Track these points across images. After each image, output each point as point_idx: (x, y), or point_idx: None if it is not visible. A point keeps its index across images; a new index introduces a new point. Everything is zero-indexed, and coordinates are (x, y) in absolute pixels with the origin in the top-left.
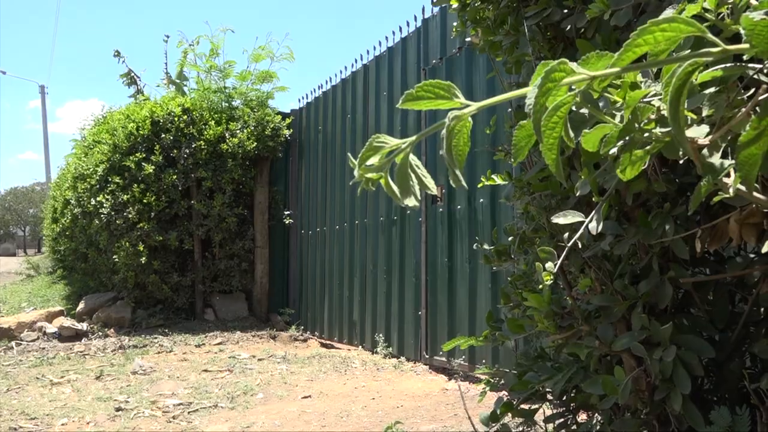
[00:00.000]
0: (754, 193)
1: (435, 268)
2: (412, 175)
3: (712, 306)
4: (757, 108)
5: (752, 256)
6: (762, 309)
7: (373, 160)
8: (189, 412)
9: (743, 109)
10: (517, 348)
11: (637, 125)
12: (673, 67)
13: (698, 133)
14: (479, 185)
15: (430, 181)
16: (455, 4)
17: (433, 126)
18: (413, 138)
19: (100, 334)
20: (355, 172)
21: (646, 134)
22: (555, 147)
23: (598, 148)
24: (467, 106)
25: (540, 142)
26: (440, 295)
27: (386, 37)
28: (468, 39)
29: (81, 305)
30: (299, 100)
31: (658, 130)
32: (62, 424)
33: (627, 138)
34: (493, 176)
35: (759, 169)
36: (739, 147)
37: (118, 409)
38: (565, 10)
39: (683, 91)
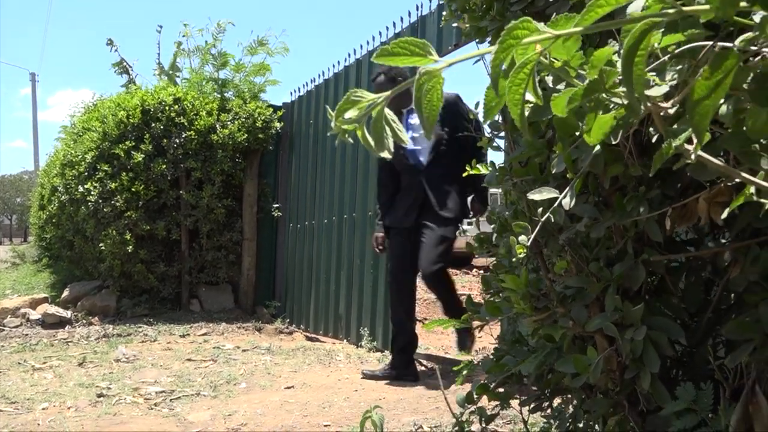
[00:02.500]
0: (710, 158)
1: None
2: (387, 129)
3: (685, 291)
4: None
5: (724, 241)
6: (732, 294)
7: (351, 113)
8: (171, 400)
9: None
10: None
11: (602, 86)
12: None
13: (657, 92)
14: (464, 174)
15: (404, 135)
16: None
17: (406, 82)
18: (388, 92)
19: (84, 322)
20: (332, 124)
21: (616, 99)
22: (520, 103)
23: (566, 111)
24: (439, 62)
25: (497, 95)
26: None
27: (380, 32)
28: (455, 24)
29: (66, 293)
30: (291, 94)
31: (620, 90)
32: (43, 409)
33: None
34: (477, 166)
35: (710, 121)
36: (691, 97)
37: (99, 395)
38: None
39: (637, 50)
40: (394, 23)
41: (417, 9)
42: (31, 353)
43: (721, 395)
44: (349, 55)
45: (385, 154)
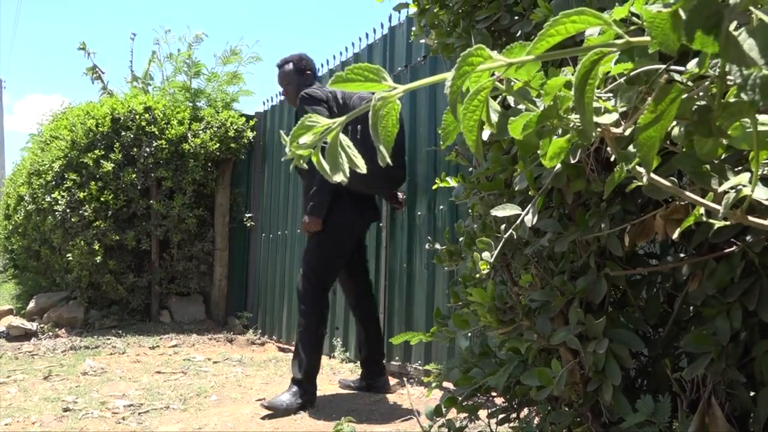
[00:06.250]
0: (659, 178)
1: (393, 274)
2: (342, 154)
3: (646, 304)
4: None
5: (682, 255)
6: (691, 307)
7: (306, 139)
8: (139, 413)
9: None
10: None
11: (556, 112)
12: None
13: (607, 120)
14: (434, 186)
15: (360, 161)
16: (414, 9)
17: (361, 107)
18: (343, 118)
19: (51, 334)
20: (287, 149)
21: (569, 124)
22: (475, 129)
23: (522, 135)
24: (395, 89)
25: (456, 119)
26: (398, 300)
27: (352, 44)
28: (423, 40)
29: (31, 304)
30: (264, 103)
31: (573, 117)
32: (6, 424)
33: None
34: (447, 179)
35: (656, 151)
36: (638, 130)
37: (65, 410)
38: (516, 17)
39: (589, 78)
40: (366, 34)
41: (389, 20)
42: None
43: (678, 407)
44: (321, 65)
45: (340, 178)
